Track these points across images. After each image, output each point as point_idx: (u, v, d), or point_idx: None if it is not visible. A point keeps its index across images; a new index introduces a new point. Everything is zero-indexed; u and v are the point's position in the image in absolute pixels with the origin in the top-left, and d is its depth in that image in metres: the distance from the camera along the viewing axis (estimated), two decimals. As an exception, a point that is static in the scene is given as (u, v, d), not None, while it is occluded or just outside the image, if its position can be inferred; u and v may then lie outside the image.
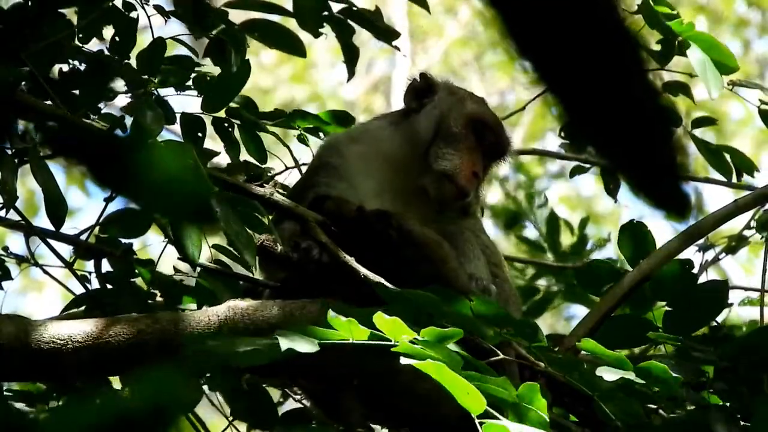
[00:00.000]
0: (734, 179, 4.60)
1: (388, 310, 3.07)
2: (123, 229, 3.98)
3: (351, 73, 4.44)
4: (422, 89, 4.11)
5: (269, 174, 4.37)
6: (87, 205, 13.28)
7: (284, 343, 2.95)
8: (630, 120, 1.70)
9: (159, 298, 4.00)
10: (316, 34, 4.38)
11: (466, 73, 13.04)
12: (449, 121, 4.02)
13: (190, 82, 4.18)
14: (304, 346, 2.97)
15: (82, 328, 3.46)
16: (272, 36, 4.34)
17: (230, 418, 4.03)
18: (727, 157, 4.54)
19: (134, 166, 1.82)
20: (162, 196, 1.82)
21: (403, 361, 2.94)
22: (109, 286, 3.96)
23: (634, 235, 3.79)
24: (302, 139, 4.39)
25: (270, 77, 13.52)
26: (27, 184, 7.57)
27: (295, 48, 4.38)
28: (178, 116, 4.19)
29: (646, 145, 1.71)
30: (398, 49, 4.50)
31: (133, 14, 4.13)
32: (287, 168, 4.49)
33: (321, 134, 4.38)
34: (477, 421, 2.90)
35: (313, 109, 4.44)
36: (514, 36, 1.62)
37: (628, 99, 1.69)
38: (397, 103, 4.26)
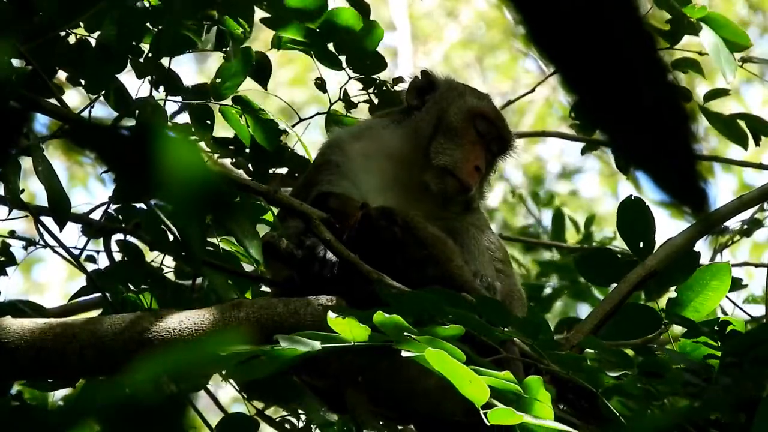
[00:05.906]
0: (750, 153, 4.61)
1: (389, 310, 3.06)
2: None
3: None
4: (423, 86, 4.11)
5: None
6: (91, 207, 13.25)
7: (285, 343, 2.95)
8: (647, 114, 1.70)
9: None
10: None
11: (467, 75, 13.02)
12: (449, 115, 4.02)
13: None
14: (306, 346, 2.97)
15: (85, 326, 3.45)
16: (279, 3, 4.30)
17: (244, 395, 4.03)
18: (743, 124, 4.54)
19: (150, 158, 1.81)
20: (178, 188, 1.82)
21: (405, 354, 2.93)
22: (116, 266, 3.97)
23: (633, 212, 3.73)
24: None
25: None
26: (29, 187, 7.55)
27: None
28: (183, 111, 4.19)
29: (664, 140, 1.71)
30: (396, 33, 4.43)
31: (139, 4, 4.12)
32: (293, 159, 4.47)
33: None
34: (482, 412, 2.89)
35: (314, 112, 4.43)
36: (531, 28, 1.62)
37: (645, 93, 1.69)
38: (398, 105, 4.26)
